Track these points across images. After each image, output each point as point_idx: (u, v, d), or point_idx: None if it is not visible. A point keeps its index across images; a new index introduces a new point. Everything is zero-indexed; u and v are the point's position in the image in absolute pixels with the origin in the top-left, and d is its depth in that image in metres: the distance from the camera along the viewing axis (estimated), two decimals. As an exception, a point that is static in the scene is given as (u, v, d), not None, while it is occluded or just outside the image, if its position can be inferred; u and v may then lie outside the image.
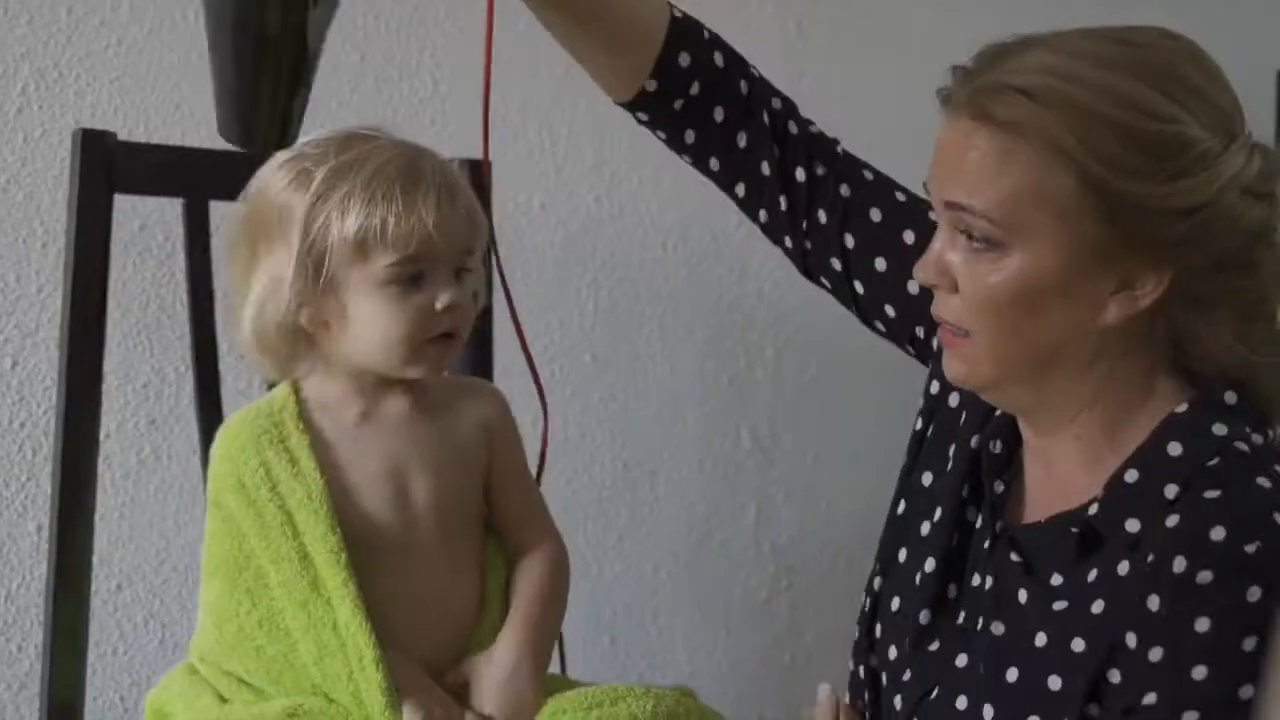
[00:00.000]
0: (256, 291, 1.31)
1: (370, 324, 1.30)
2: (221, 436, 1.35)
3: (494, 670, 1.33)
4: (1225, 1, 2.18)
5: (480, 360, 1.68)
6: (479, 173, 1.68)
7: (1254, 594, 1.15)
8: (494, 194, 1.71)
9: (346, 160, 1.29)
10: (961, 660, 1.34)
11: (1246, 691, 1.14)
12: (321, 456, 1.32)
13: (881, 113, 2.02)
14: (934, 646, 1.36)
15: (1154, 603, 1.17)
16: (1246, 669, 1.14)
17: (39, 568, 1.70)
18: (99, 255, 1.53)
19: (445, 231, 1.29)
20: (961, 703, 1.31)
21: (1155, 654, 1.17)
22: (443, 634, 1.34)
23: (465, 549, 1.37)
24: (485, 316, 1.66)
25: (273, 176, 1.32)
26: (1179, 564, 1.16)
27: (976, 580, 1.34)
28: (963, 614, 1.35)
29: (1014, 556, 1.31)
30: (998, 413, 1.37)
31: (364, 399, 1.35)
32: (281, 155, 1.32)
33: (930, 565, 1.38)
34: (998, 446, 1.36)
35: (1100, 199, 1.18)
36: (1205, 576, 1.16)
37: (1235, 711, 1.15)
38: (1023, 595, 1.28)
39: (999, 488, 1.34)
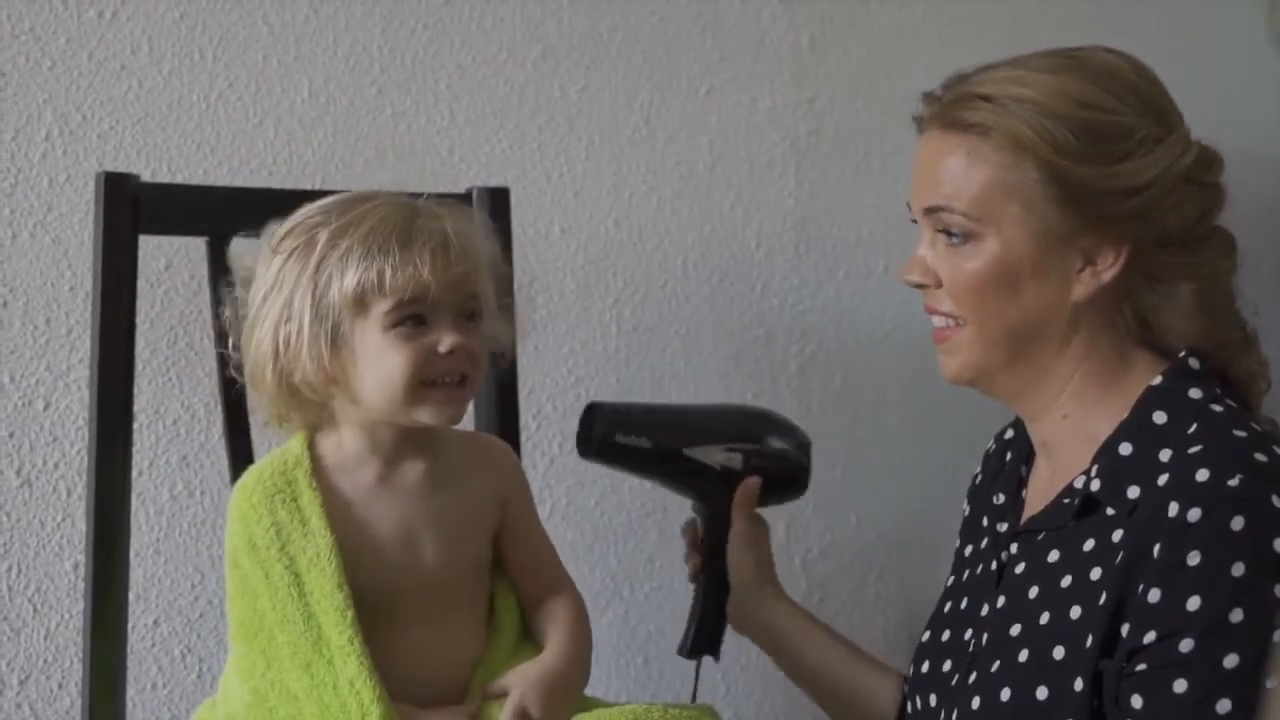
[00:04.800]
0: (269, 348, 1.33)
1: (375, 369, 1.31)
2: (237, 494, 1.36)
3: (540, 670, 1.35)
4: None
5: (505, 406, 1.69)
6: (500, 201, 1.70)
7: (1238, 523, 1.24)
8: (513, 220, 1.72)
9: (345, 222, 1.32)
10: (972, 677, 1.40)
11: (1236, 615, 1.23)
12: (334, 516, 1.33)
13: (894, 128, 2.03)
14: (946, 667, 1.45)
15: (1156, 550, 1.26)
16: (1236, 594, 1.23)
17: (76, 606, 1.71)
18: (126, 295, 1.55)
19: (442, 281, 1.31)
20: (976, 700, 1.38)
21: (1154, 595, 1.26)
22: (444, 683, 1.36)
23: (470, 604, 1.39)
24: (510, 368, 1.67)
25: (280, 243, 1.34)
26: (1172, 509, 1.26)
27: (985, 610, 1.42)
28: (969, 633, 1.43)
29: (1018, 569, 1.39)
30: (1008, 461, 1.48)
31: (380, 461, 1.36)
32: (289, 222, 1.35)
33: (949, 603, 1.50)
34: (1007, 461, 1.48)
35: (1058, 185, 1.32)
36: (1194, 514, 1.25)
37: (1226, 635, 1.23)
38: (1033, 591, 1.36)
39: (999, 499, 1.46)
